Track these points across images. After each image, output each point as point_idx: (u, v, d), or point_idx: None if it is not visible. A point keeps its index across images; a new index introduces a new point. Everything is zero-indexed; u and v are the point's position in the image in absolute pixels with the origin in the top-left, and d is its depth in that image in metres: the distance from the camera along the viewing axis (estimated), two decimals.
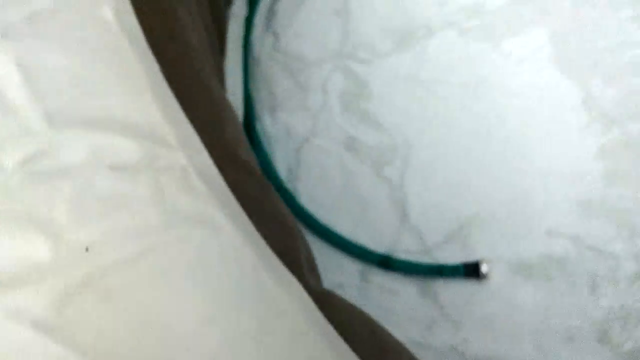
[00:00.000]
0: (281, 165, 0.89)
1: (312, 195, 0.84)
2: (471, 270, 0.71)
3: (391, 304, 0.76)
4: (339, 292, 0.77)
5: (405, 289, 0.76)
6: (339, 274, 0.79)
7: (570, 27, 0.87)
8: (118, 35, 0.30)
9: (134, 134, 0.28)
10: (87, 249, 0.24)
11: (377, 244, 0.80)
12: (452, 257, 0.76)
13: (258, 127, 0.91)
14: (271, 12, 0.97)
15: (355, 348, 0.27)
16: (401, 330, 0.65)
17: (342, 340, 0.27)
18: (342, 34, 0.93)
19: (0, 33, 0.27)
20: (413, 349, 0.48)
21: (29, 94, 0.27)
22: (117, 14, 0.31)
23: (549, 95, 0.82)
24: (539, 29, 0.87)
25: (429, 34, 0.88)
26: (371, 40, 0.92)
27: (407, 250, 0.78)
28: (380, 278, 0.79)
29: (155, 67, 0.31)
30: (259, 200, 0.32)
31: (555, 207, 0.76)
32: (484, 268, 0.70)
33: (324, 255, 0.79)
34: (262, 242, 0.28)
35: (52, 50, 0.28)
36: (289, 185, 0.86)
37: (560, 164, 0.78)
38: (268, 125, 0.90)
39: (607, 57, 0.85)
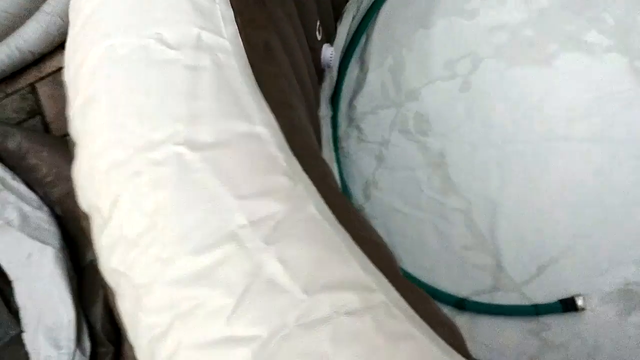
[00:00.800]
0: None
1: (415, 262, 1.00)
2: (568, 306, 0.84)
3: (499, 344, 0.89)
4: None
5: (511, 328, 0.89)
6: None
7: None
8: (322, 223, 0.49)
9: (353, 288, 0.46)
10: None
11: (477, 290, 0.95)
12: (546, 294, 0.89)
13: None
14: (351, 107, 1.16)
15: None
16: None
17: None
18: (415, 114, 1.11)
19: (265, 242, 0.46)
20: None
21: (289, 277, 0.45)
22: (317, 207, 0.49)
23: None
24: None
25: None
26: (438, 116, 1.09)
27: (510, 280, 0.92)
28: (487, 320, 0.92)
29: (346, 236, 0.49)
30: (426, 310, 0.49)
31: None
32: (579, 301, 0.83)
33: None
34: (442, 342, 0.46)
35: (292, 247, 0.47)
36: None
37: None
38: (367, 209, 1.07)
39: None
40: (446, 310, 0.94)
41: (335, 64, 1.13)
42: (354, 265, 0.47)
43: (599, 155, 0.95)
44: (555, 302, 0.86)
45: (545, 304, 0.87)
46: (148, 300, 0.50)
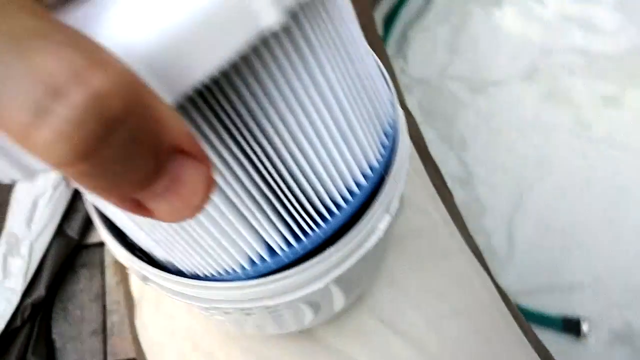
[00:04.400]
0: None
1: None
2: (570, 326, 0.71)
3: None
4: None
5: None
6: None
7: None
8: None
9: None
10: None
11: None
12: (551, 307, 0.75)
13: None
14: (403, 37, 1.00)
15: None
16: None
17: None
18: (471, 63, 0.96)
19: None
20: None
21: None
22: None
23: None
24: None
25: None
26: (494, 74, 0.95)
27: (507, 288, 0.79)
28: None
29: None
30: None
31: None
32: (584, 327, 0.71)
33: None
34: None
35: None
36: None
37: None
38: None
39: None
40: None
41: None
42: None
43: None
44: (557, 316, 0.74)
45: (544, 315, 0.74)
46: None
